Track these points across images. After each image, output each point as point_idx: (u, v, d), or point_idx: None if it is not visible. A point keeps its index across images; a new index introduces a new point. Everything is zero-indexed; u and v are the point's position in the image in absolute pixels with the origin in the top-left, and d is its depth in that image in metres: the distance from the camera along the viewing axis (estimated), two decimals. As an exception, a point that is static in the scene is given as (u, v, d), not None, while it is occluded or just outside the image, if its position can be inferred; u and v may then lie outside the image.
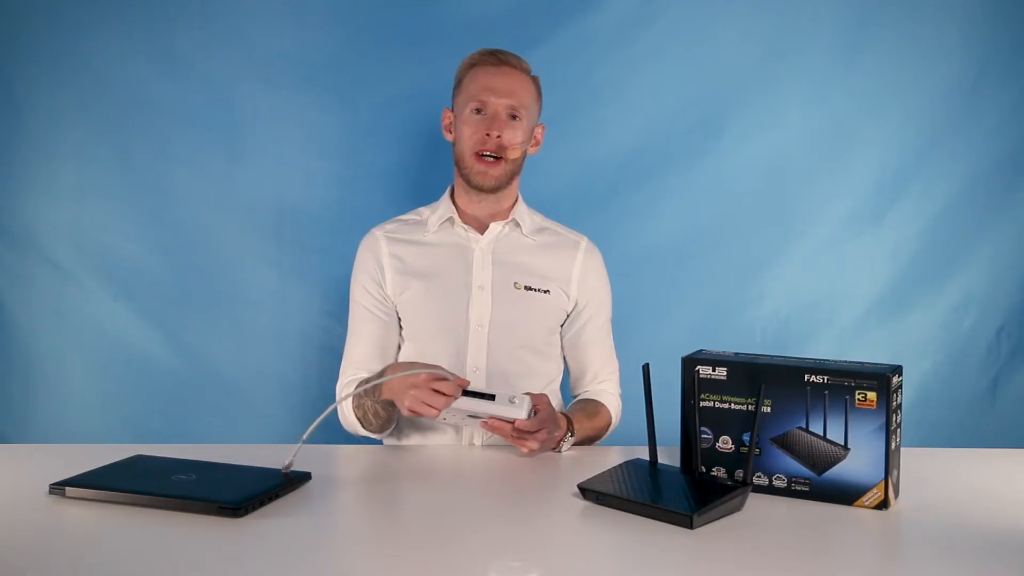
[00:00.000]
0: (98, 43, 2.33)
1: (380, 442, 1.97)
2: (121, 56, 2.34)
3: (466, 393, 1.62)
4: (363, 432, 1.88)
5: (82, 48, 2.33)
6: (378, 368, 1.86)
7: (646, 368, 1.56)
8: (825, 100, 2.42)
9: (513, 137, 1.88)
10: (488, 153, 1.88)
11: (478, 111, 1.88)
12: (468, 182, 1.91)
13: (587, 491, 1.49)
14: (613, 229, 2.40)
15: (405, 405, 1.63)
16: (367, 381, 1.79)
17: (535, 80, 1.96)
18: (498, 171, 1.89)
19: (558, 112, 2.40)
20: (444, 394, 1.60)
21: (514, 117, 1.88)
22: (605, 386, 1.98)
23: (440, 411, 1.62)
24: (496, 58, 1.91)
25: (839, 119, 2.42)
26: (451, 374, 1.63)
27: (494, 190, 1.91)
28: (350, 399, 1.83)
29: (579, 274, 1.96)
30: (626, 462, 1.58)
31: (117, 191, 2.37)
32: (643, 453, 1.60)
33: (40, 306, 2.36)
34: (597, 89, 2.42)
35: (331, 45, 2.38)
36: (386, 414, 1.80)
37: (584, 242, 2.00)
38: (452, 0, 2.38)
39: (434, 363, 1.77)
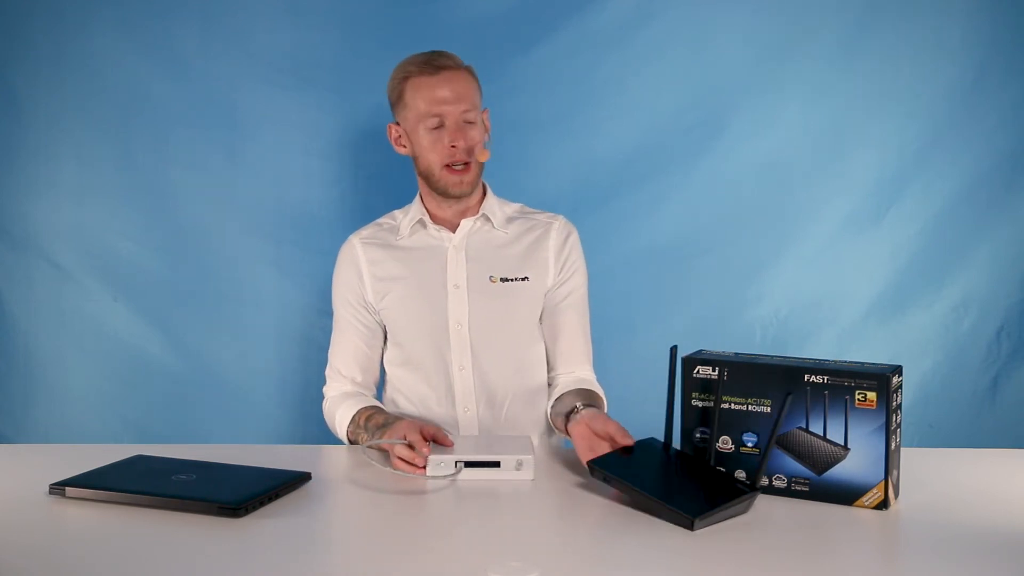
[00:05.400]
0: (98, 43, 2.34)
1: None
2: (121, 56, 2.34)
3: (469, 464, 1.58)
4: (348, 444, 1.88)
5: (82, 48, 2.33)
6: (360, 377, 1.94)
7: (673, 351, 1.54)
8: (825, 100, 2.42)
9: (474, 139, 1.88)
10: (458, 163, 1.87)
11: (434, 126, 1.86)
12: (444, 194, 1.90)
13: (596, 469, 1.48)
14: (613, 229, 2.40)
15: (392, 464, 1.63)
16: (373, 421, 1.79)
17: (471, 71, 1.92)
18: (470, 176, 1.89)
19: (558, 112, 2.40)
20: (420, 457, 1.59)
21: (469, 121, 1.88)
22: (584, 373, 1.94)
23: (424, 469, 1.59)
24: (432, 66, 1.87)
25: (839, 119, 2.42)
26: (444, 433, 1.66)
27: (470, 194, 1.92)
28: (346, 423, 1.85)
29: (554, 252, 1.94)
30: (641, 441, 1.57)
31: (117, 191, 2.37)
32: (644, 452, 1.60)
33: (40, 306, 2.36)
34: (597, 89, 2.42)
35: (331, 45, 2.38)
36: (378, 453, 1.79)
37: (557, 221, 1.98)
38: (452, 0, 2.38)
39: (419, 368, 1.90)
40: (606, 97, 2.42)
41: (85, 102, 2.34)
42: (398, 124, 1.94)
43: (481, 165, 1.91)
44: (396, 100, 1.92)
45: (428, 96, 1.86)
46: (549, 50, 2.38)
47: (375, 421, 1.79)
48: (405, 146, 1.94)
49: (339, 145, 2.40)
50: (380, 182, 2.41)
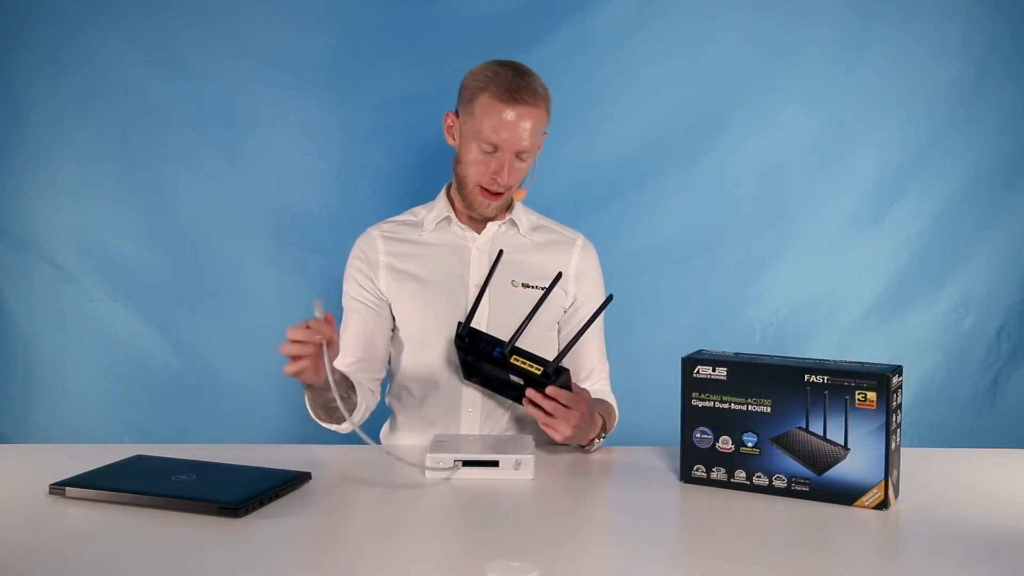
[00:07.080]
0: (98, 43, 2.34)
1: (379, 441, 1.97)
2: (121, 56, 2.34)
3: (467, 463, 1.58)
4: (325, 426, 1.85)
5: (82, 48, 2.34)
6: (360, 353, 1.88)
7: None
8: (825, 100, 2.42)
9: (517, 177, 1.87)
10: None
11: (487, 151, 1.83)
12: (469, 206, 1.90)
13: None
14: (613, 229, 2.41)
15: (290, 368, 1.58)
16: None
17: (547, 102, 1.87)
18: (499, 202, 1.89)
19: (558, 112, 2.38)
20: (306, 342, 1.55)
21: (522, 159, 1.86)
22: (602, 386, 1.97)
23: (306, 355, 1.54)
24: (512, 95, 1.80)
25: (839, 119, 2.43)
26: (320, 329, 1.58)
27: (493, 217, 1.92)
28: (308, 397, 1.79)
29: (575, 271, 1.95)
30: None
31: (117, 191, 2.37)
32: (643, 454, 1.60)
33: (40, 306, 2.37)
34: (597, 89, 2.42)
35: (331, 45, 2.38)
36: (316, 397, 1.73)
37: (580, 239, 1.99)
38: (452, 1, 2.38)
39: (428, 364, 1.88)
40: (606, 97, 2.42)
41: (85, 102, 2.35)
42: (457, 116, 1.89)
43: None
44: (466, 100, 1.86)
45: (494, 123, 1.80)
46: (549, 50, 2.38)
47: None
48: (455, 139, 1.91)
49: (339, 145, 2.40)
50: (380, 182, 2.41)
